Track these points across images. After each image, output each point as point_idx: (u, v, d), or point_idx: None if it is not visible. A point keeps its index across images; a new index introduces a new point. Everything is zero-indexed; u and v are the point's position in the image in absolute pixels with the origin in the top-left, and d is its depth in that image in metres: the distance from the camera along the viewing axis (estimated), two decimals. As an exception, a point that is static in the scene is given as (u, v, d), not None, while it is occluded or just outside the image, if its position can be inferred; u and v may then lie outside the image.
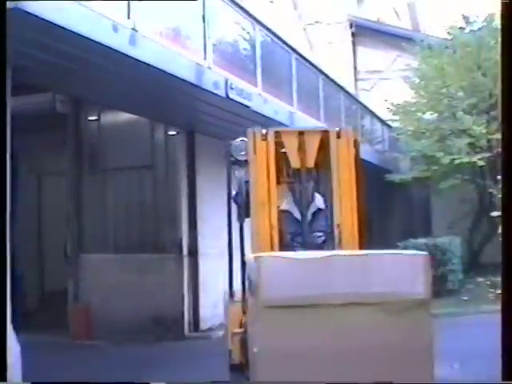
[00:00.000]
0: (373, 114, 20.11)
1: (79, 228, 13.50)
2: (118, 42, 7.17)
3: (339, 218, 5.44)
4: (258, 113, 10.56)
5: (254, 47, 11.09)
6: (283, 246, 5.49)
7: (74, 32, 6.57)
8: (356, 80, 23.90)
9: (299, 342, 4.03)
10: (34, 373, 7.41)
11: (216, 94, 9.50)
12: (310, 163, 5.61)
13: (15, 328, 7.62)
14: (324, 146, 5.58)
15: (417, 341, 4.10)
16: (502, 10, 2.12)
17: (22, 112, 11.42)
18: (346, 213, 5.41)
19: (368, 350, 4.05)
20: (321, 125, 12.95)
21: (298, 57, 12.85)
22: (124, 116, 12.36)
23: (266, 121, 9.97)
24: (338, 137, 5.49)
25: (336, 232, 5.43)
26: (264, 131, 5.49)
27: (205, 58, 9.25)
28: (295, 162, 5.61)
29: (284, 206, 5.77)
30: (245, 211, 5.61)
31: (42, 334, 11.72)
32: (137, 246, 12.95)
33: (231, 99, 9.79)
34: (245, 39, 11.12)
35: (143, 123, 12.58)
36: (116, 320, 11.97)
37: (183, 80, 8.69)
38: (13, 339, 7.49)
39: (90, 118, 13.26)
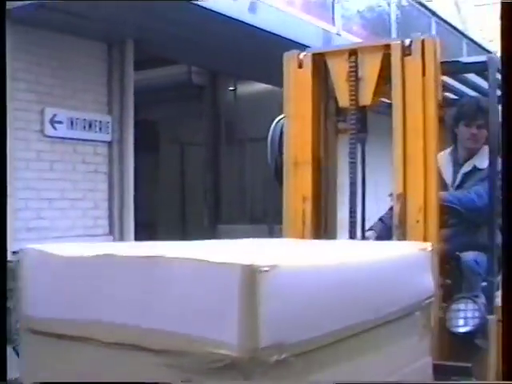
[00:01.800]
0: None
1: (217, 198, 13.62)
2: (237, 10, 7.06)
3: (401, 183, 3.50)
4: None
5: (388, 10, 10.67)
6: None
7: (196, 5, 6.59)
8: (508, 44, 22.68)
9: None
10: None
11: (346, 62, 9.20)
12: (366, 99, 3.66)
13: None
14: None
15: None
16: (502, 10, 1.90)
17: (159, 84, 11.73)
18: (413, 175, 3.50)
19: None
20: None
21: (438, 20, 12.27)
22: (259, 86, 12.28)
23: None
24: (407, 53, 3.53)
25: (396, 208, 3.53)
26: (302, 55, 3.79)
27: (333, 24, 8.96)
28: (343, 99, 3.70)
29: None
30: (276, 174, 4.02)
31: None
32: (273, 216, 12.89)
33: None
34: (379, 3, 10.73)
35: (279, 92, 12.44)
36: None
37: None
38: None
39: (230, 89, 13.30)
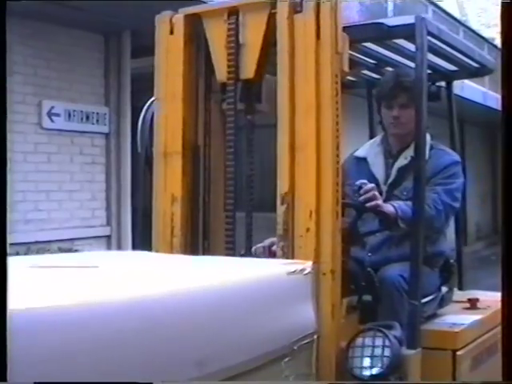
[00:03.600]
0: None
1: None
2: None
3: (286, 180, 2.67)
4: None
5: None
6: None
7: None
8: None
9: None
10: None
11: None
12: (248, 71, 2.87)
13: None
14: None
15: None
16: (502, 10, 1.90)
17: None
18: (302, 168, 2.67)
19: None
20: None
21: (435, 9, 12.26)
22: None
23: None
24: (297, 10, 2.70)
25: (280, 210, 2.65)
26: (175, 17, 2.97)
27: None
28: (221, 71, 2.92)
29: (361, 152, 3.44)
30: (146, 167, 3.21)
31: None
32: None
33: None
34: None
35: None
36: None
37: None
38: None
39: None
